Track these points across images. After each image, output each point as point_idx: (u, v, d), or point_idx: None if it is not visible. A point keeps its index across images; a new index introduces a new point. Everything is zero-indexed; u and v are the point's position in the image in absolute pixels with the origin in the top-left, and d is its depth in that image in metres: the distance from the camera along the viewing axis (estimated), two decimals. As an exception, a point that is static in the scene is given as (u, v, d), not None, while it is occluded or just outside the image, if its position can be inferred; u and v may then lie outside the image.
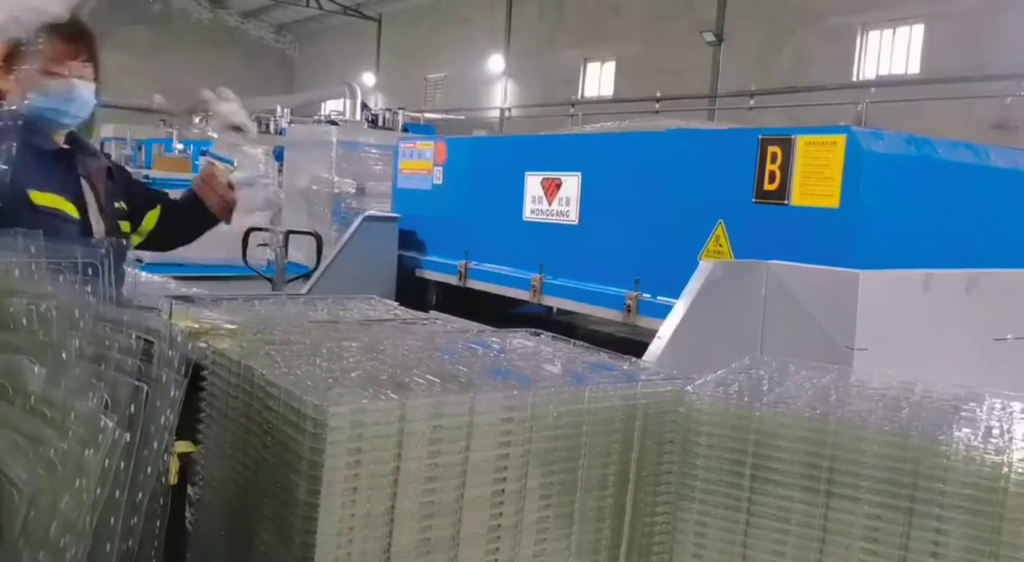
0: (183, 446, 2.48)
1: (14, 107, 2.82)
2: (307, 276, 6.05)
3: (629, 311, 3.86)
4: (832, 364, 2.43)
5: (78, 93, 2.93)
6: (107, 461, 1.27)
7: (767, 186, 3.32)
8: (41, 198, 2.93)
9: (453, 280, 5.04)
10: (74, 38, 2.91)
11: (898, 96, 17.78)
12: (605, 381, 2.17)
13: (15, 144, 2.65)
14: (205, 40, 36.03)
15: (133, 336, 1.45)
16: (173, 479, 2.49)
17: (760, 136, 3.36)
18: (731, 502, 1.98)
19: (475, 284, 4.88)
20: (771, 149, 3.31)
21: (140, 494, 1.44)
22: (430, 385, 1.97)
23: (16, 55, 2.82)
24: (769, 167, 3.31)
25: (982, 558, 1.73)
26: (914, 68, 19.28)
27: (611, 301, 3.97)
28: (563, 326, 4.79)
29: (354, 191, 11.33)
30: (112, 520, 1.36)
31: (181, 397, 1.58)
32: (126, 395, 1.36)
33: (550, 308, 4.91)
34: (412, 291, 5.22)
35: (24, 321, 1.31)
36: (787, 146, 3.26)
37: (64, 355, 1.32)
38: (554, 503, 2.05)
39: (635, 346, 2.89)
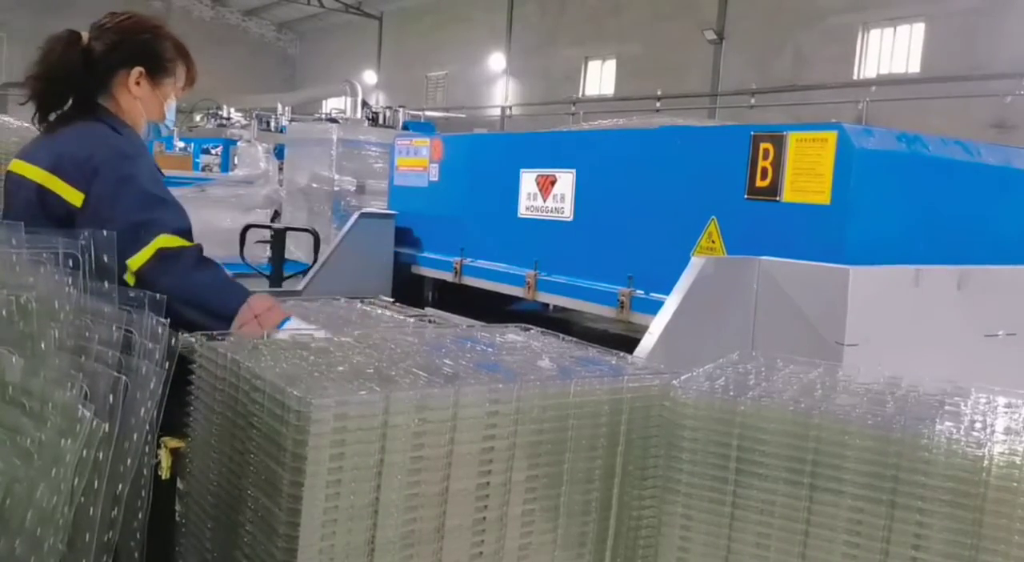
0: (175, 441, 2.50)
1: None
2: (305, 273, 6.06)
3: (623, 307, 3.86)
4: (822, 360, 2.43)
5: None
6: (85, 451, 1.28)
7: (759, 182, 3.31)
8: None
9: (449, 277, 5.03)
10: (193, 66, 2.98)
11: (898, 95, 17.80)
12: (591, 375, 2.18)
13: None
14: (206, 38, 35.96)
15: (114, 328, 1.46)
16: (166, 473, 2.51)
17: (752, 133, 3.35)
18: (716, 496, 1.99)
19: (470, 281, 4.87)
20: (763, 146, 3.30)
21: (121, 485, 1.45)
22: (416, 379, 1.98)
23: (158, 68, 2.86)
24: (761, 163, 3.31)
25: (963, 550, 1.74)
26: (914, 67, 19.28)
27: (605, 297, 3.96)
28: (560, 323, 4.79)
29: (354, 189, 11.32)
30: (91, 510, 1.36)
31: (164, 390, 1.59)
32: (105, 386, 1.37)
33: (547, 305, 4.90)
34: (408, 288, 5.22)
35: (4, 312, 1.32)
36: (779, 143, 3.25)
37: (43, 346, 1.32)
38: (540, 496, 2.06)
39: (631, 343, 2.89)
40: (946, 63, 17.81)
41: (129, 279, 2.45)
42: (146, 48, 2.81)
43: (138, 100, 2.80)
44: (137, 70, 2.77)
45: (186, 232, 2.65)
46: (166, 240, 2.51)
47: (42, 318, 1.35)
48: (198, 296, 2.54)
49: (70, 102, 2.74)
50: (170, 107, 2.93)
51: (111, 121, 2.74)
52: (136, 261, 2.47)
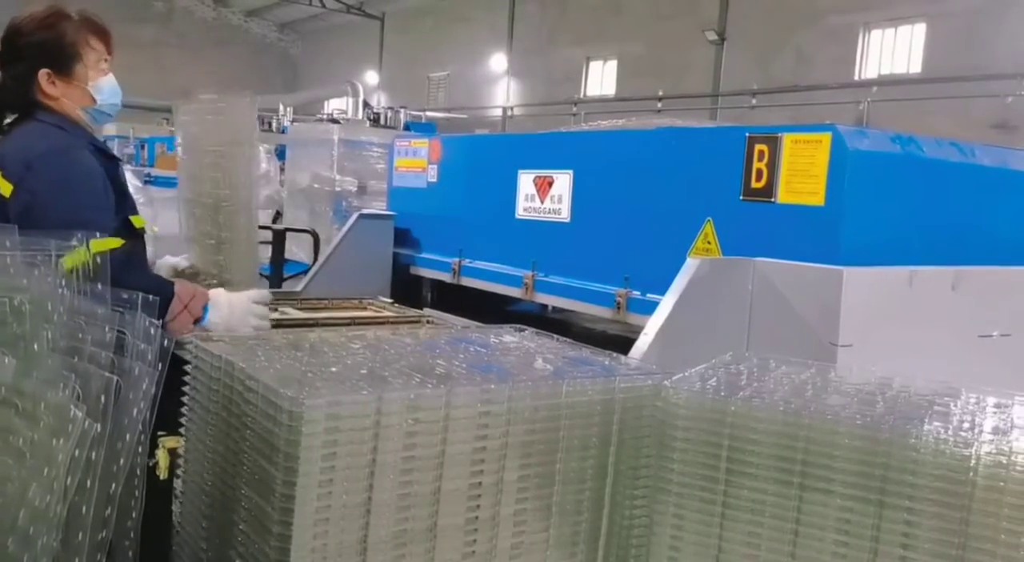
0: (173, 441, 2.52)
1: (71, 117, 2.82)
2: (305, 274, 6.07)
3: (619, 308, 3.87)
4: (817, 360, 2.44)
5: (117, 87, 2.94)
6: (77, 451, 1.30)
7: (754, 184, 3.33)
8: (138, 221, 2.93)
9: (447, 277, 5.04)
10: (106, 33, 2.91)
11: (899, 95, 17.77)
12: (583, 375, 2.19)
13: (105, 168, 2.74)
14: (208, 38, 36.04)
15: (107, 329, 1.48)
16: (164, 473, 2.53)
17: (748, 134, 3.36)
18: (707, 495, 2.00)
19: (468, 281, 4.89)
20: (758, 147, 3.31)
21: (114, 485, 1.46)
22: (408, 379, 1.99)
23: (62, 60, 2.80)
24: (756, 165, 3.32)
25: (951, 549, 1.75)
26: (916, 67, 19.26)
27: (601, 298, 3.97)
28: (558, 324, 4.80)
29: (355, 190, 11.33)
30: (84, 510, 1.38)
31: (157, 390, 1.60)
32: (98, 387, 1.38)
33: (545, 306, 4.92)
34: (407, 289, 5.24)
35: (-3, 313, 1.33)
36: (774, 144, 3.26)
37: (36, 347, 1.34)
38: (532, 496, 2.07)
39: (629, 343, 2.91)
40: (947, 63, 17.79)
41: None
42: (42, 48, 2.75)
43: (61, 98, 2.78)
44: (43, 73, 2.74)
45: (117, 229, 2.70)
46: (99, 245, 2.53)
47: (35, 319, 1.36)
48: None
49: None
50: (99, 87, 2.86)
51: (51, 118, 2.75)
52: (69, 261, 2.48)
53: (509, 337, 2.65)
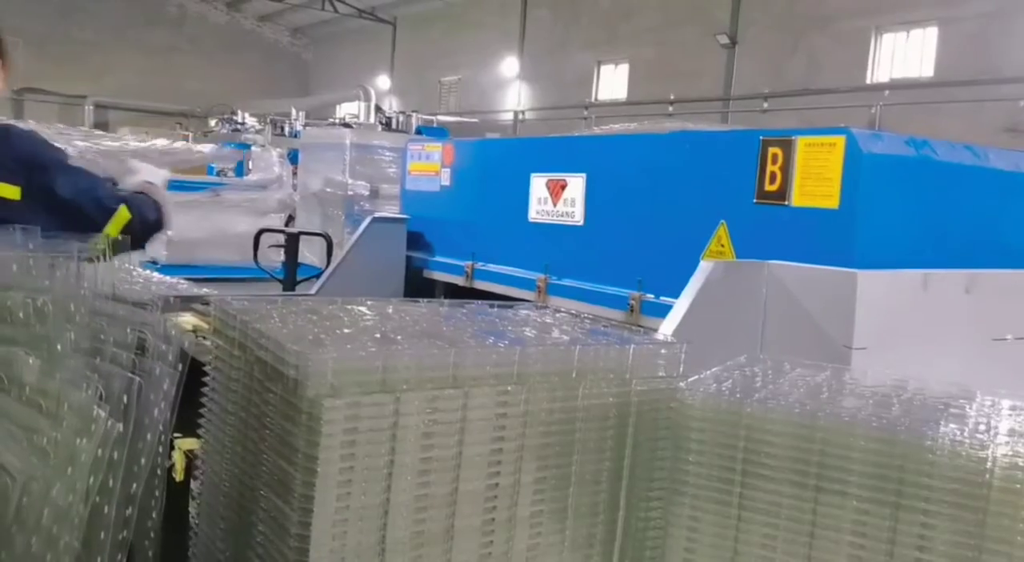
0: (189, 443, 2.53)
1: None
2: (318, 277, 6.10)
3: (632, 311, 3.88)
4: (831, 363, 2.44)
5: None
6: (100, 451, 1.31)
7: (768, 187, 3.33)
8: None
9: (460, 281, 5.06)
10: None
11: (911, 99, 17.76)
12: (599, 378, 2.19)
13: None
14: (221, 43, 36.17)
15: (128, 330, 1.49)
16: (180, 475, 2.54)
17: (761, 137, 3.37)
18: (722, 497, 2.00)
19: (481, 285, 4.90)
20: (772, 150, 3.32)
21: (135, 485, 1.48)
22: (424, 380, 2.00)
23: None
24: (770, 168, 3.32)
25: (967, 551, 1.75)
26: (927, 71, 19.24)
27: (614, 301, 3.98)
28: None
29: (367, 193, 11.37)
30: (106, 509, 1.39)
31: (178, 391, 1.61)
32: (119, 387, 1.40)
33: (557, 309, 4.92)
34: (420, 292, 5.24)
35: (21, 314, 1.35)
36: (788, 147, 3.27)
37: (59, 347, 1.35)
38: (548, 498, 2.07)
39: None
40: (959, 67, 17.77)
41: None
42: None
43: None
44: None
45: None
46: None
47: (58, 320, 1.38)
48: None
49: None
50: None
51: None
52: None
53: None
